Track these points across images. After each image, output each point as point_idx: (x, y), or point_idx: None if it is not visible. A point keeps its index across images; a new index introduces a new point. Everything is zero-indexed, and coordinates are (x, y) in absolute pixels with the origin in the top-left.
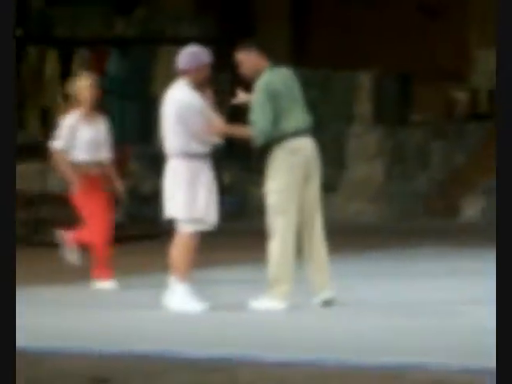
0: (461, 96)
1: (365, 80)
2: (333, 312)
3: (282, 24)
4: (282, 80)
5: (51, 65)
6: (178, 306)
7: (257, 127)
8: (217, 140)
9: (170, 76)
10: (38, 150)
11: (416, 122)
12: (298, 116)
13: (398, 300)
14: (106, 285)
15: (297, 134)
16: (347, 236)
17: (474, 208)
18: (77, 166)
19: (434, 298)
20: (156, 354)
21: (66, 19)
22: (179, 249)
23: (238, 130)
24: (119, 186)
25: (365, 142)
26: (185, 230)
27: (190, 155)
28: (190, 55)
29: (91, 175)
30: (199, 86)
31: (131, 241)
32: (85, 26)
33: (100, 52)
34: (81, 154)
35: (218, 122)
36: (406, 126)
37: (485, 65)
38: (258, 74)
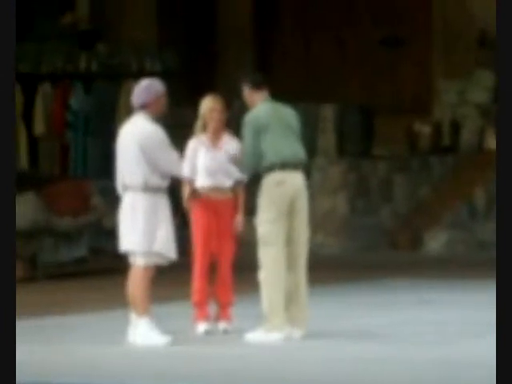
0: (424, 129)
1: (328, 112)
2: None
3: (244, 57)
4: (271, 114)
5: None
6: (143, 340)
7: (242, 161)
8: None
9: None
10: None
11: (379, 155)
12: (286, 149)
13: (366, 330)
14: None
15: (283, 166)
16: (311, 269)
17: (438, 241)
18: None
19: (401, 329)
20: None
21: (29, 55)
22: (137, 283)
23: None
24: (238, 219)
25: (328, 174)
26: (141, 264)
27: (151, 189)
28: (146, 89)
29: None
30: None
31: (95, 275)
32: (48, 61)
33: (63, 87)
34: (200, 181)
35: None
36: (369, 159)
37: (447, 97)
38: (252, 107)
